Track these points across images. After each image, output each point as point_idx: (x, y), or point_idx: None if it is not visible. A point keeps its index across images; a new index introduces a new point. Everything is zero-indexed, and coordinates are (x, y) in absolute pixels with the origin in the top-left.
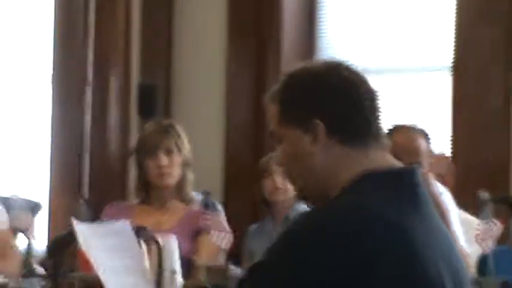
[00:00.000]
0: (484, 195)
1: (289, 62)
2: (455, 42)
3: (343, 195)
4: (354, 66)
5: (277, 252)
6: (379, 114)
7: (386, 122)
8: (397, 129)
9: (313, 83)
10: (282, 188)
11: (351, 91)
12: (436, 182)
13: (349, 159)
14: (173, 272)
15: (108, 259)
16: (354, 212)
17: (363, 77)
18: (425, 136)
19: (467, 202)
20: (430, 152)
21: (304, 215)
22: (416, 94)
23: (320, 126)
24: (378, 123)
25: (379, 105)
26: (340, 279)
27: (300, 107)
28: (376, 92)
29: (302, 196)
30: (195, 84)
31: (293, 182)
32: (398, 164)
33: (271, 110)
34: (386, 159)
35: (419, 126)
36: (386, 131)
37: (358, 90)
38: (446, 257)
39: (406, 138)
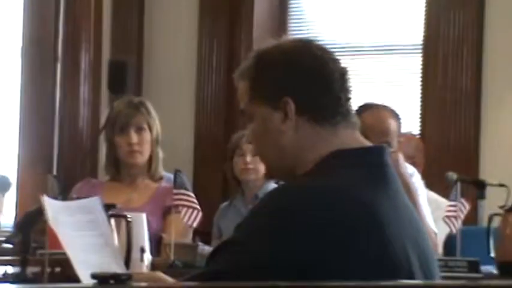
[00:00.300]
0: (453, 175)
1: (260, 39)
2: (425, 21)
3: (312, 173)
4: (324, 46)
5: (246, 230)
6: (350, 93)
7: (356, 101)
8: (366, 109)
9: (285, 61)
10: (253, 167)
11: (322, 71)
12: (405, 162)
13: (319, 138)
14: (142, 250)
15: (77, 236)
16: (324, 192)
17: (335, 57)
18: (395, 116)
19: (436, 182)
20: (400, 132)
21: (274, 193)
22: (386, 73)
23: (290, 105)
24: (349, 102)
25: (349, 85)
26: (308, 258)
27: (270, 85)
28: (347, 71)
29: (271, 173)
30: (166, 61)
31: (262, 159)
32: (367, 143)
33: (241, 87)
34: (356, 138)
35: (389, 105)
36: (356, 110)
37: (329, 70)
38: (413, 236)
39: (376, 118)
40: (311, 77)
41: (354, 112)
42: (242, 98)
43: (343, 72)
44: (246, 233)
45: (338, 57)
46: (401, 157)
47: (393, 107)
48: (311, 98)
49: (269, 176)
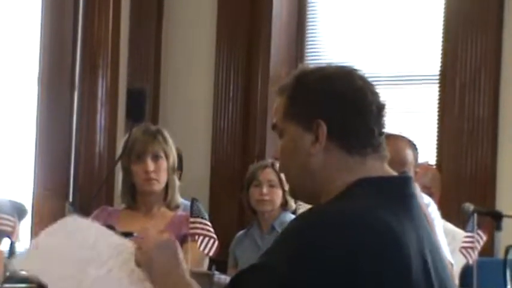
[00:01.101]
0: (469, 206)
1: (277, 69)
2: (442, 51)
3: (337, 199)
4: (367, 76)
5: (274, 256)
6: (384, 127)
7: None
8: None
9: (325, 85)
10: (269, 198)
11: (360, 100)
12: (421, 192)
13: (347, 166)
14: None
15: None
16: (349, 221)
17: (375, 90)
18: (412, 146)
19: (452, 213)
20: (417, 162)
21: (298, 220)
22: (403, 103)
23: (323, 128)
24: (381, 135)
25: (385, 120)
26: (335, 286)
27: (306, 105)
28: (384, 106)
29: (293, 194)
30: (183, 89)
31: (286, 177)
32: (395, 173)
33: (278, 103)
34: (383, 169)
35: (406, 135)
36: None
37: (368, 101)
38: (435, 267)
39: (393, 148)
40: (347, 105)
41: (385, 145)
42: (276, 113)
43: (380, 106)
44: (274, 258)
45: (378, 91)
46: (417, 187)
47: (410, 137)
48: (344, 126)
49: (290, 194)
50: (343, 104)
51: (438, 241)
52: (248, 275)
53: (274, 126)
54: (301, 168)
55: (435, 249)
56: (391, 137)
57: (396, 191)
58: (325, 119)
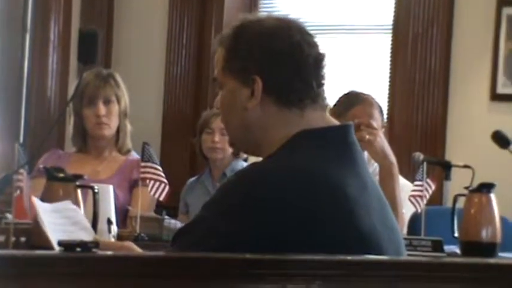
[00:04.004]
0: (419, 156)
1: (231, 17)
2: (395, 1)
3: (279, 153)
4: (306, 28)
5: (214, 210)
6: (323, 80)
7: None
8: (356, 102)
9: (262, 40)
10: (220, 146)
11: (297, 56)
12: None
13: (284, 120)
14: (109, 221)
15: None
16: (289, 173)
17: (314, 41)
18: (380, 109)
19: (403, 162)
20: (383, 124)
21: (241, 173)
22: (355, 53)
23: (258, 83)
24: (321, 88)
25: (324, 72)
26: (276, 237)
27: (243, 60)
28: (323, 57)
29: (234, 144)
30: (136, 34)
31: (227, 129)
32: (335, 122)
33: (218, 54)
34: (323, 119)
35: (374, 97)
36: (345, 102)
37: (304, 54)
38: (381, 214)
39: (363, 113)
40: (283, 60)
41: (324, 97)
42: (216, 64)
43: (319, 58)
44: (214, 213)
45: (317, 41)
46: (385, 141)
47: (378, 101)
48: (280, 80)
49: (231, 146)
50: (279, 59)
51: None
52: (189, 228)
53: (214, 79)
54: (239, 121)
55: (379, 195)
56: (361, 99)
57: (337, 140)
58: (261, 75)
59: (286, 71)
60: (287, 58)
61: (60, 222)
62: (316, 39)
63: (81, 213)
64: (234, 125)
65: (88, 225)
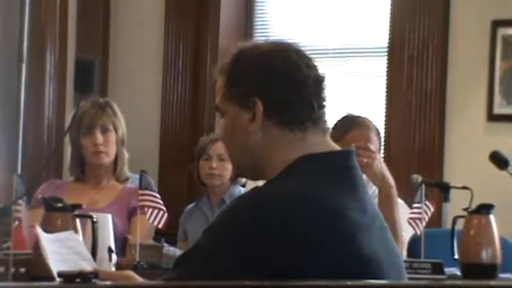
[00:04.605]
0: (417, 178)
1: (226, 42)
2: (390, 24)
3: (280, 177)
4: (304, 50)
5: (214, 235)
6: (324, 101)
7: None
8: (353, 126)
9: (259, 63)
10: (218, 172)
11: (295, 76)
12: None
13: (287, 142)
14: (110, 250)
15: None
16: (291, 199)
17: (313, 63)
18: (377, 132)
19: (401, 185)
20: (380, 147)
21: (242, 201)
22: (351, 76)
23: (259, 106)
24: (321, 109)
25: (324, 93)
26: (277, 262)
27: (243, 85)
28: (323, 79)
29: (237, 171)
30: (132, 62)
31: (230, 156)
32: (336, 147)
33: (219, 83)
34: (325, 143)
35: (371, 120)
36: (342, 126)
37: (303, 75)
38: (381, 238)
39: (361, 135)
40: (282, 81)
41: (325, 117)
42: (218, 93)
43: (319, 80)
44: (215, 239)
45: (316, 64)
46: (383, 164)
47: (373, 122)
48: (280, 102)
49: (236, 173)
50: (278, 80)
51: (396, 212)
52: (190, 255)
53: (216, 107)
54: (242, 146)
55: (380, 219)
56: (358, 123)
57: (338, 165)
58: (261, 97)
59: (285, 91)
60: (286, 78)
61: (62, 251)
62: (314, 62)
63: (82, 243)
64: (238, 150)
65: (89, 255)
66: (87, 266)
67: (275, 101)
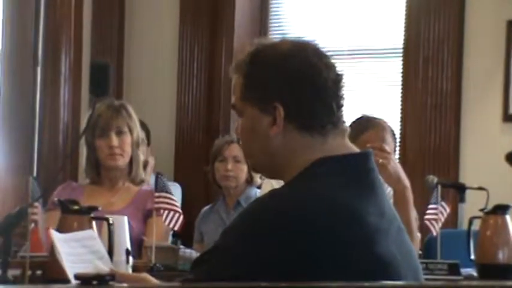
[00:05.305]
0: (433, 179)
1: (241, 42)
2: (405, 25)
3: (298, 179)
4: (322, 50)
5: (233, 236)
6: (342, 100)
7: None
8: (368, 127)
9: (278, 65)
10: (233, 174)
11: (315, 78)
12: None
13: (307, 146)
14: (128, 252)
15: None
16: (311, 201)
17: (331, 63)
18: (392, 133)
19: (417, 186)
20: (395, 148)
21: (261, 201)
22: (366, 77)
23: (280, 111)
24: (340, 110)
25: (343, 92)
26: (295, 264)
27: (262, 87)
28: (341, 78)
29: (254, 170)
30: (146, 64)
31: (247, 156)
32: (355, 149)
33: (235, 81)
34: (344, 145)
35: (386, 122)
36: (357, 127)
37: (323, 79)
38: (398, 240)
39: (376, 137)
40: (303, 85)
41: (344, 119)
42: (235, 92)
43: (337, 80)
44: (233, 240)
45: (334, 63)
46: (398, 164)
47: (388, 123)
48: (301, 106)
49: (253, 170)
50: (298, 84)
51: (410, 211)
52: (208, 256)
53: (233, 106)
54: (261, 148)
55: (397, 222)
56: (373, 124)
57: (357, 167)
58: (282, 102)
59: (306, 95)
60: (306, 82)
61: (79, 251)
62: (332, 60)
63: (99, 241)
64: (257, 152)
65: (106, 254)
66: (104, 265)
67: (296, 106)
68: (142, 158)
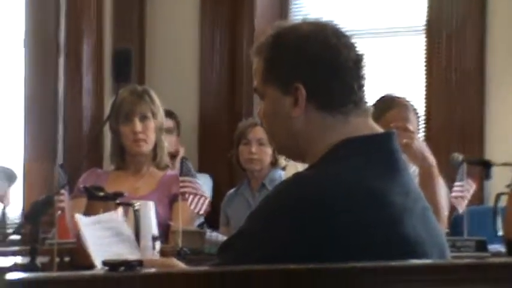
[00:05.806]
0: (458, 156)
1: (262, 25)
2: (428, 1)
3: (323, 161)
4: (342, 30)
5: (257, 221)
6: (363, 80)
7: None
8: (392, 106)
9: (299, 47)
10: (257, 157)
11: (335, 60)
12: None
13: (329, 126)
14: (154, 237)
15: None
16: (329, 183)
17: (351, 43)
18: (415, 112)
19: (442, 163)
20: (418, 127)
21: (286, 184)
22: (389, 55)
23: (301, 91)
24: (362, 90)
25: (364, 72)
26: (320, 248)
27: (283, 69)
28: (362, 58)
29: (279, 152)
30: (168, 49)
31: (271, 138)
32: (378, 129)
33: (256, 64)
34: (367, 126)
35: (409, 101)
36: (380, 106)
37: (343, 59)
38: (424, 219)
39: (399, 116)
40: (323, 65)
41: (366, 99)
42: (256, 75)
43: (358, 59)
44: (260, 224)
45: (354, 43)
46: (423, 143)
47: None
48: (322, 86)
49: (278, 153)
50: (319, 65)
51: (438, 189)
52: (234, 241)
53: (255, 89)
54: (284, 130)
55: (422, 201)
56: (396, 103)
57: (381, 148)
58: (303, 82)
59: (326, 75)
60: (326, 62)
61: (102, 234)
62: (352, 40)
63: (124, 223)
64: (280, 134)
65: (131, 236)
66: (129, 247)
67: (316, 86)
68: (166, 143)
